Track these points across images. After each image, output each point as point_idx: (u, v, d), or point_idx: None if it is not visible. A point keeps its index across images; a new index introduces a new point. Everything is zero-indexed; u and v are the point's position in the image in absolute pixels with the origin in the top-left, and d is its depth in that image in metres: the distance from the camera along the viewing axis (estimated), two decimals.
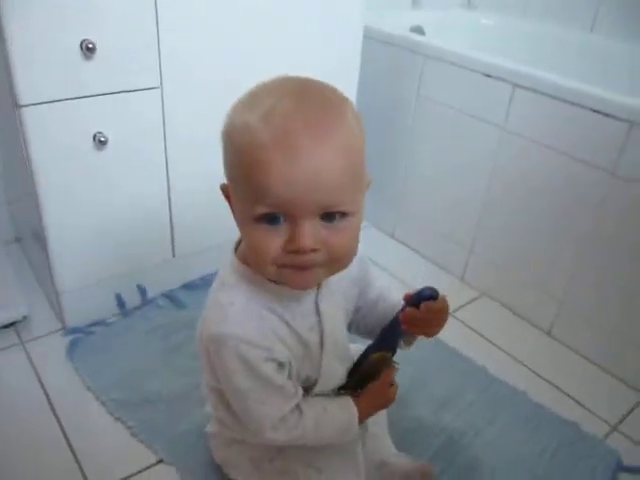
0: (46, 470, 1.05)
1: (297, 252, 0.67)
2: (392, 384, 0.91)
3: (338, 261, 0.71)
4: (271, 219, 0.66)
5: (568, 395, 1.30)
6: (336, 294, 0.82)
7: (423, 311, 0.79)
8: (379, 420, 1.04)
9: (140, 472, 1.05)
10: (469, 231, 1.61)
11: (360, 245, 0.75)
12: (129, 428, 1.12)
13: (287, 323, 0.77)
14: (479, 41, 1.81)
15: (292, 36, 1.35)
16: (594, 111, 1.25)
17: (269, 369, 0.76)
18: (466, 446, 1.14)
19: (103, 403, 1.17)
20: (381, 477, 1.01)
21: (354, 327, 0.94)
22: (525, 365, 1.38)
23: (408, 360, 1.31)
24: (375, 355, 0.89)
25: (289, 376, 0.80)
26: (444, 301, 0.80)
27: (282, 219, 0.66)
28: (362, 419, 0.87)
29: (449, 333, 1.41)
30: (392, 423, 1.10)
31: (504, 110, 1.41)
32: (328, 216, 0.67)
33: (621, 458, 1.15)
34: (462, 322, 1.50)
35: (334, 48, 1.45)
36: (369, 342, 0.92)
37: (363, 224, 1.97)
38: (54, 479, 1.03)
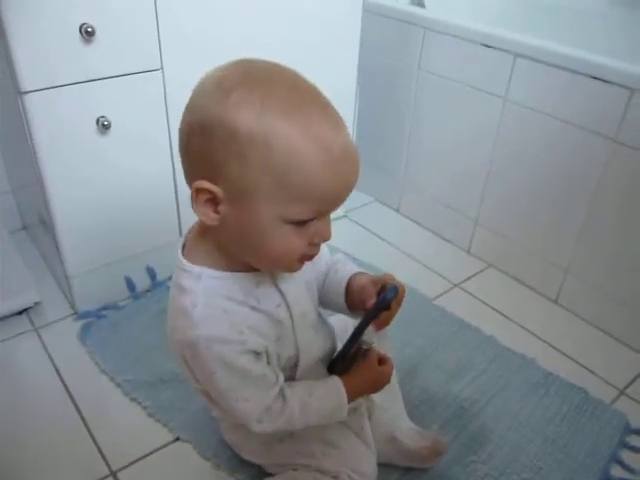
0: (65, 453, 1.06)
1: (319, 243, 0.72)
2: (384, 363, 0.89)
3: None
4: (303, 221, 0.69)
5: (576, 361, 1.32)
6: None
7: (395, 309, 0.82)
8: (389, 393, 1.05)
9: (157, 450, 1.07)
10: (474, 203, 1.61)
11: None
12: (145, 408, 1.14)
13: (253, 308, 0.76)
14: (480, 12, 1.79)
15: (291, 11, 1.34)
16: (595, 78, 1.24)
17: (246, 362, 0.75)
18: (477, 414, 1.16)
19: (118, 385, 1.19)
20: (392, 451, 1.03)
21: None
22: (533, 333, 1.39)
23: (417, 332, 1.34)
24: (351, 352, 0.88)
25: (268, 362, 0.80)
26: (403, 289, 0.84)
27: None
28: (351, 398, 0.86)
29: (457, 305, 1.44)
30: (403, 395, 1.11)
31: (505, 80, 1.41)
32: None
33: (628, 421, 1.17)
34: (470, 293, 1.52)
35: (333, 23, 1.44)
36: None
37: (368, 200, 1.99)
38: (73, 461, 1.05)
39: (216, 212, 0.68)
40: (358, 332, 0.84)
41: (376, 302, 0.81)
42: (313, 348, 0.87)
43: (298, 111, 0.64)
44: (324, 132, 0.65)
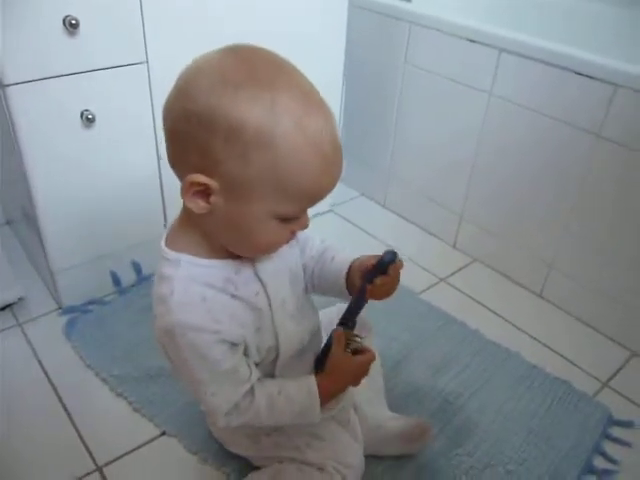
0: (51, 448, 1.06)
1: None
2: (362, 353, 0.87)
3: None
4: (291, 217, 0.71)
5: (560, 354, 1.33)
6: (272, 257, 0.81)
7: (392, 275, 0.81)
8: (373, 385, 1.06)
9: (144, 445, 1.07)
10: (459, 197, 1.62)
11: None
12: (130, 403, 1.14)
13: (232, 295, 0.76)
14: (466, 7, 1.80)
15: (277, 4, 1.34)
16: (579, 74, 1.25)
17: (218, 353, 0.75)
18: (462, 407, 1.17)
19: (104, 380, 1.18)
20: (379, 439, 1.03)
21: (310, 286, 0.92)
22: (518, 327, 1.40)
23: (403, 326, 1.34)
24: (337, 330, 0.87)
25: (245, 353, 0.80)
26: (402, 262, 0.83)
27: None
28: (327, 397, 0.85)
29: (443, 299, 1.45)
30: (388, 389, 1.12)
31: (491, 75, 1.41)
32: None
33: (611, 413, 1.19)
34: (455, 287, 1.52)
35: (319, 16, 1.44)
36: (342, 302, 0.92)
37: (354, 194, 1.99)
38: (59, 456, 1.05)
39: (207, 202, 0.68)
40: (356, 304, 0.84)
41: (374, 264, 0.81)
42: (293, 339, 0.86)
43: (303, 114, 0.64)
44: (321, 133, 0.65)
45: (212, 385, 0.78)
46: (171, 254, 0.75)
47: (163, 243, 0.77)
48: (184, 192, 0.68)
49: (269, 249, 0.77)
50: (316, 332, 0.92)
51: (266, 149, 0.63)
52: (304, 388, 0.83)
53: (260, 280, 0.79)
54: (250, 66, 0.65)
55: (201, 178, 0.65)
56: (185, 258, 0.74)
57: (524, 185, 1.45)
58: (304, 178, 0.66)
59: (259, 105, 0.62)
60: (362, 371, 0.87)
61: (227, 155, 0.64)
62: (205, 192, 0.67)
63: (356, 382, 0.88)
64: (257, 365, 0.84)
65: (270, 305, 0.80)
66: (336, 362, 0.86)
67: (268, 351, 0.84)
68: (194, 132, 0.64)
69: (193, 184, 0.66)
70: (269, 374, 0.86)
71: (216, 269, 0.75)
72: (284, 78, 0.65)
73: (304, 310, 0.89)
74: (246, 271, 0.78)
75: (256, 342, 0.81)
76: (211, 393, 0.78)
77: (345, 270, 0.87)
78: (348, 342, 0.86)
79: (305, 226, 0.74)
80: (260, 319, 0.80)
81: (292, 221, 0.71)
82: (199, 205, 0.68)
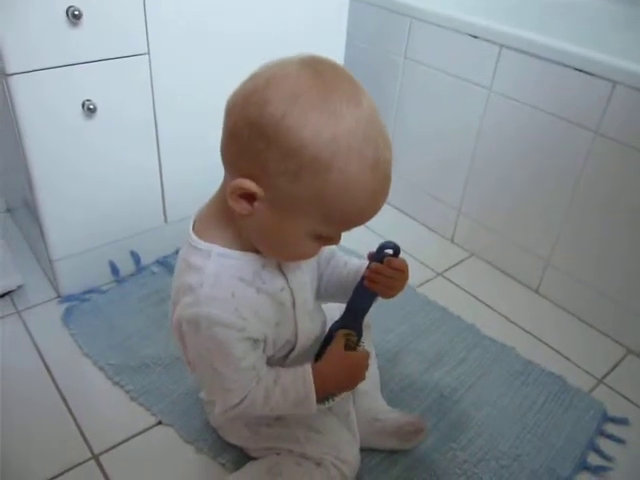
0: (47, 436, 1.07)
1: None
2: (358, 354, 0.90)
3: None
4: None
5: (555, 350, 1.34)
6: None
7: (386, 265, 0.85)
8: (369, 377, 1.06)
9: (140, 434, 1.08)
10: (458, 192, 1.62)
11: None
12: (127, 392, 1.14)
13: (259, 289, 0.77)
14: (467, 3, 1.80)
15: None
16: (578, 70, 1.25)
17: (241, 350, 0.76)
18: (457, 401, 1.17)
19: (101, 368, 1.19)
20: (374, 433, 1.04)
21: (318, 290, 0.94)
22: (514, 322, 1.41)
23: (399, 319, 1.35)
24: (341, 332, 0.90)
25: (264, 350, 0.81)
26: (405, 261, 0.87)
27: None
28: (322, 389, 0.83)
29: (440, 293, 1.46)
30: (384, 382, 1.13)
31: (491, 71, 1.42)
32: None
33: (606, 409, 1.19)
34: (452, 282, 1.53)
35: (320, 10, 1.44)
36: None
37: None
38: (55, 445, 1.05)
39: (250, 205, 0.69)
40: (355, 296, 0.88)
41: (374, 252, 0.86)
42: (310, 334, 0.89)
43: (362, 149, 0.65)
44: (377, 169, 0.67)
45: (228, 380, 0.79)
46: (202, 244, 0.76)
47: (190, 230, 0.78)
48: (230, 192, 0.68)
49: (296, 259, 0.80)
50: (325, 328, 0.94)
51: (319, 175, 0.64)
52: (299, 377, 0.83)
53: (285, 276, 0.81)
54: (325, 90, 0.64)
55: (250, 185, 0.66)
56: (216, 250, 0.75)
57: (522, 181, 1.45)
58: (351, 209, 0.68)
59: (322, 134, 0.63)
60: (358, 368, 0.88)
61: (280, 171, 0.64)
62: (251, 196, 0.68)
63: (351, 381, 0.88)
64: (269, 358, 0.85)
65: (294, 302, 0.82)
66: (332, 355, 0.87)
67: (284, 345, 0.85)
68: (253, 140, 0.65)
69: (241, 188, 0.67)
70: (279, 365, 0.87)
71: (245, 262, 0.77)
72: (353, 108, 0.65)
73: (317, 307, 0.92)
74: (272, 266, 0.79)
75: (274, 336, 0.82)
76: (226, 388, 0.79)
77: (362, 272, 0.89)
78: (348, 343, 0.89)
79: (337, 243, 0.77)
80: (281, 314, 0.81)
81: (326, 239, 0.73)
82: (242, 206, 0.69)
